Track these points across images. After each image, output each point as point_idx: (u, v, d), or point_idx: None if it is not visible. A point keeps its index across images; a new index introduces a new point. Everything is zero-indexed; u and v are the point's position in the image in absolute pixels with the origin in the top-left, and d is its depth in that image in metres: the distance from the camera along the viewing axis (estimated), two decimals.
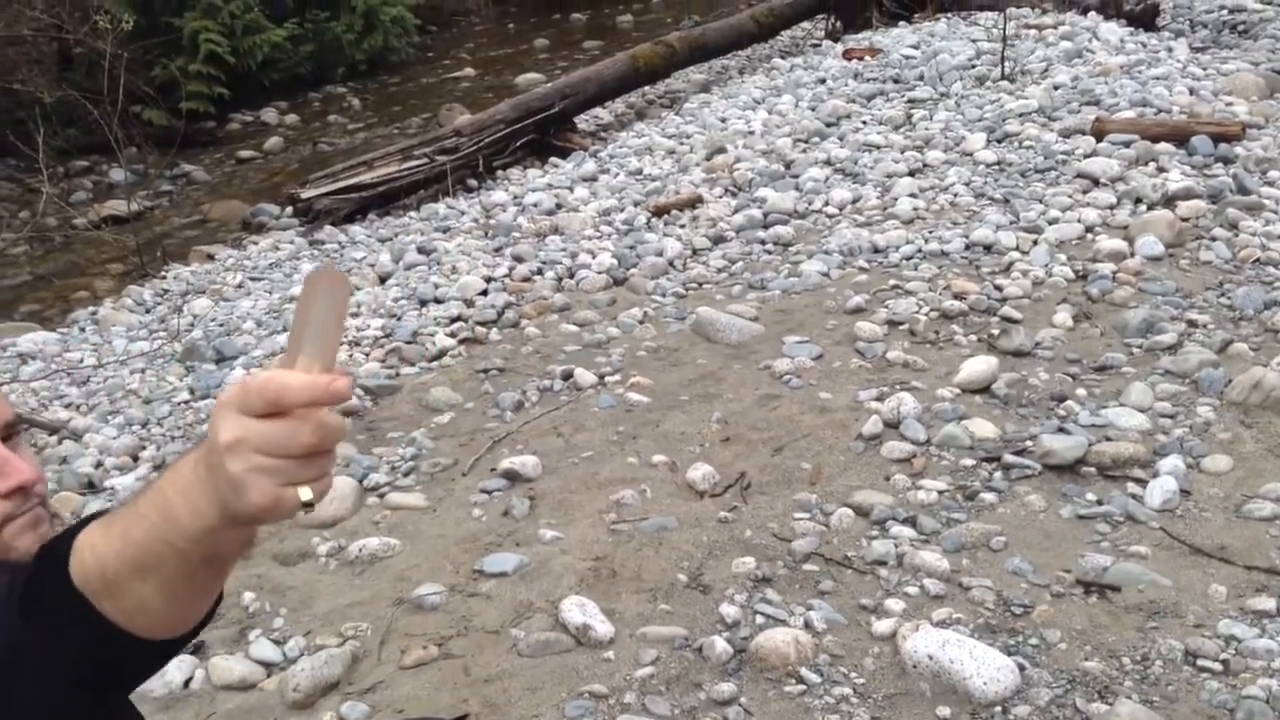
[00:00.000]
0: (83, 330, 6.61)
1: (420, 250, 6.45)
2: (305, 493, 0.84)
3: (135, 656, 0.98)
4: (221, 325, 5.93)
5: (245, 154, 11.68)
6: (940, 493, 3.45)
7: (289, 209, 8.47)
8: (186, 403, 4.90)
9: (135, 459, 4.49)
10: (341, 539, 3.59)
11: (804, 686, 2.72)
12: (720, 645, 2.86)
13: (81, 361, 5.89)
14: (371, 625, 3.12)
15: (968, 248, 5.18)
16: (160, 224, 9.48)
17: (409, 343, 5.15)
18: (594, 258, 5.85)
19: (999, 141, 6.43)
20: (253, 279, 6.90)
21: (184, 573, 0.91)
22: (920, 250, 5.21)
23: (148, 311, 6.75)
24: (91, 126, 11.10)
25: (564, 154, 8.65)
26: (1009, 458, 3.58)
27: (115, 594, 0.92)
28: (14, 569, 1.24)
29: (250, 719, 2.82)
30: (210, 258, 7.93)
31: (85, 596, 0.92)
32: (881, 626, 2.89)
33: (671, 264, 5.67)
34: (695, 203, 6.34)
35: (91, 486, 4.28)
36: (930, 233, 5.39)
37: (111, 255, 8.52)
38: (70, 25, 11.72)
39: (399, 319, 5.43)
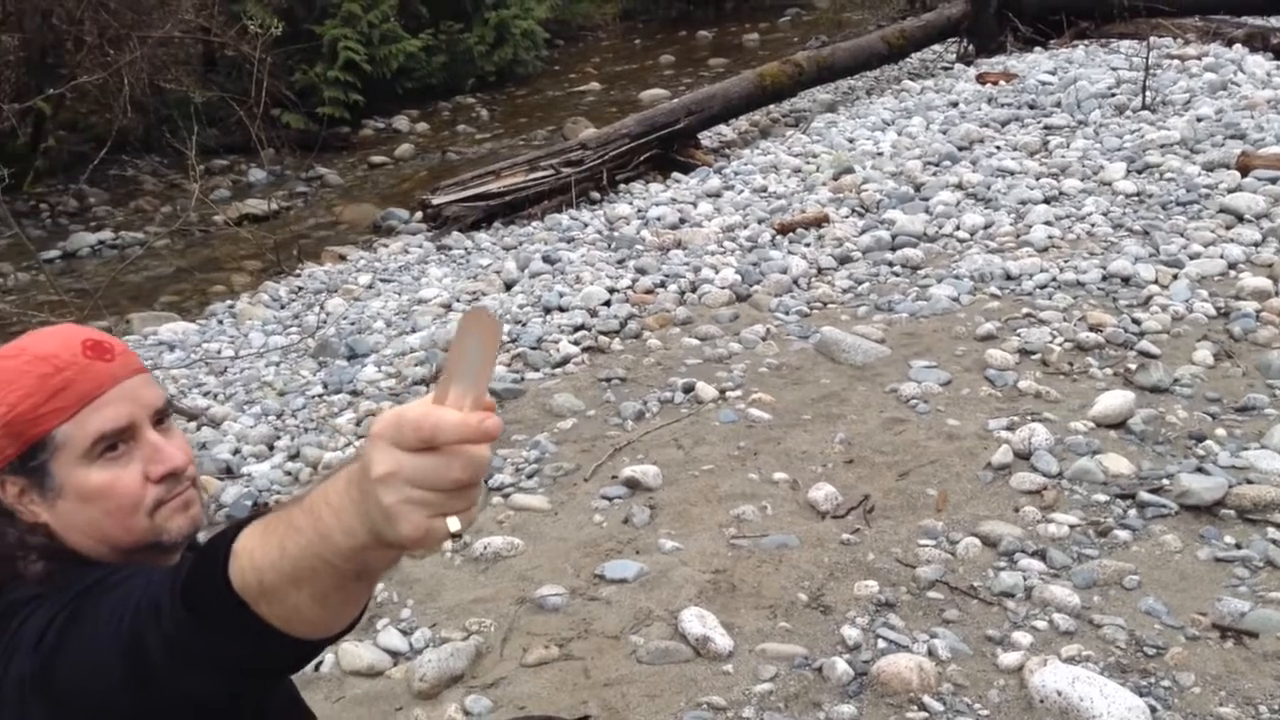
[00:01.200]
0: (220, 323, 6.88)
1: (545, 259, 6.55)
2: (454, 523, 0.86)
3: (291, 652, 1.01)
4: (353, 324, 6.11)
5: (377, 159, 12.03)
6: (1072, 527, 3.37)
7: (418, 214, 8.70)
8: (320, 396, 5.07)
9: (271, 448, 4.65)
10: (467, 536, 3.67)
11: (926, 714, 2.68)
12: (841, 667, 2.84)
13: (219, 352, 6.12)
14: (495, 622, 3.18)
15: (1104, 279, 5.06)
16: (294, 224, 9.82)
17: (534, 348, 5.24)
18: (717, 273, 5.87)
19: (1139, 172, 6.28)
20: (383, 280, 7.10)
21: (336, 585, 0.94)
22: (1055, 279, 5.11)
23: (282, 307, 7.00)
24: (232, 127, 11.58)
25: (686, 169, 8.71)
26: (1144, 495, 3.48)
27: (272, 600, 0.95)
28: (169, 548, 1.30)
29: (378, 705, 2.90)
30: (342, 258, 8.18)
31: (244, 600, 0.96)
32: (1008, 659, 2.84)
33: (796, 282, 5.66)
34: (821, 222, 6.32)
35: (229, 472, 4.45)
36: (1065, 262, 5.28)
37: (249, 252, 8.85)
38: (217, 29, 12.22)
39: (524, 325, 5.52)
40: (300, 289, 7.35)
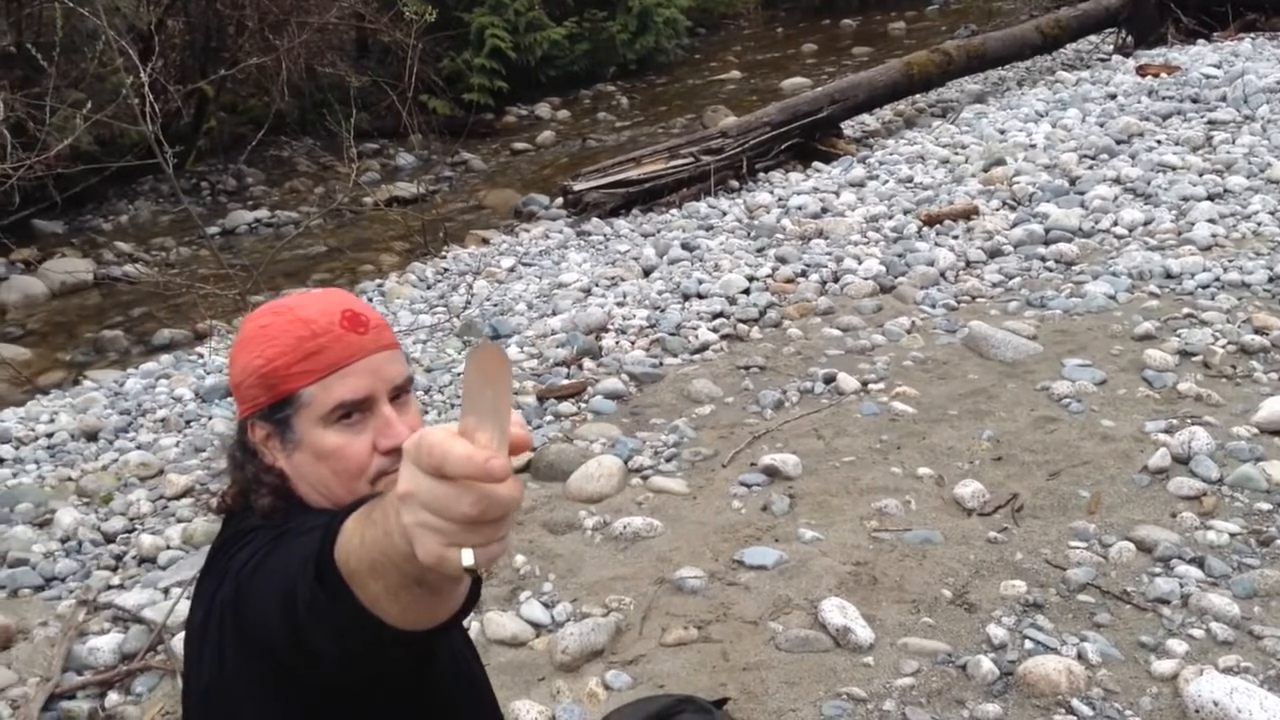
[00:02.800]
0: (370, 300, 7.09)
1: (684, 246, 6.57)
2: (467, 556, 0.81)
3: (388, 637, 1.00)
4: (496, 305, 6.23)
5: (519, 146, 12.24)
6: (1232, 535, 3.23)
7: (559, 200, 8.82)
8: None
9: None
10: (607, 515, 3.72)
11: (1074, 718, 2.61)
12: (986, 665, 2.79)
13: None
14: (634, 600, 3.22)
15: (1271, 280, 4.83)
16: (440, 207, 10.06)
17: (672, 334, 5.26)
18: (860, 263, 5.79)
19: None
20: (524, 264, 7.22)
21: (403, 584, 0.93)
22: (1218, 279, 4.89)
23: (429, 288, 7.18)
24: (382, 112, 11.91)
25: (827, 159, 8.62)
26: None
27: (356, 584, 0.97)
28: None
29: (520, 674, 2.97)
30: (485, 241, 8.37)
31: (343, 576, 0.98)
32: (1162, 667, 2.74)
33: (943, 275, 5.54)
34: (970, 214, 6.17)
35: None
36: (1230, 262, 5.05)
37: (397, 233, 9.11)
38: (370, 16, 12.59)
39: (663, 311, 5.55)
40: (446, 270, 7.53)
